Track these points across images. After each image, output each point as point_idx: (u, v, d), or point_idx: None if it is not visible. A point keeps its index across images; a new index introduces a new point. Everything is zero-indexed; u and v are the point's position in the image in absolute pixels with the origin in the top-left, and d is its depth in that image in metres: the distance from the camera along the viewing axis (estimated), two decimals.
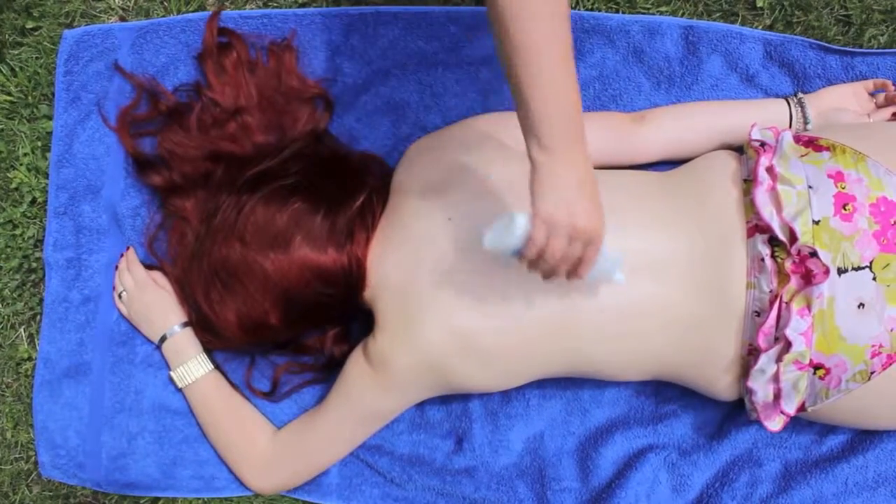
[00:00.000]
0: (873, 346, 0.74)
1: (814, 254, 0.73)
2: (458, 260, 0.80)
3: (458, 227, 0.81)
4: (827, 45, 0.94)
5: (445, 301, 0.79)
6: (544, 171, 0.63)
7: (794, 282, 0.74)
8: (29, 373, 1.04)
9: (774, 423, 0.81)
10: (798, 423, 0.92)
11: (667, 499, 0.92)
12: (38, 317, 1.04)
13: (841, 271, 0.74)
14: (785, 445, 0.92)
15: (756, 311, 0.77)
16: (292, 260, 0.83)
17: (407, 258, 0.82)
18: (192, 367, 0.96)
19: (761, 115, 0.89)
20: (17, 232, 1.04)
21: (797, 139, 0.82)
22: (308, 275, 0.83)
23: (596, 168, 0.88)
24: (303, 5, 1.02)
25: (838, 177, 0.76)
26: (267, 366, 0.99)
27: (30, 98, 1.04)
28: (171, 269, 0.97)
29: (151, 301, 0.97)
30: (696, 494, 0.92)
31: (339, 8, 1.00)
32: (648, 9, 0.98)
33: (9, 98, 1.05)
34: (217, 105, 0.95)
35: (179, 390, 0.98)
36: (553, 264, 0.67)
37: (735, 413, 0.94)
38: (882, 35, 0.96)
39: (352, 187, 0.87)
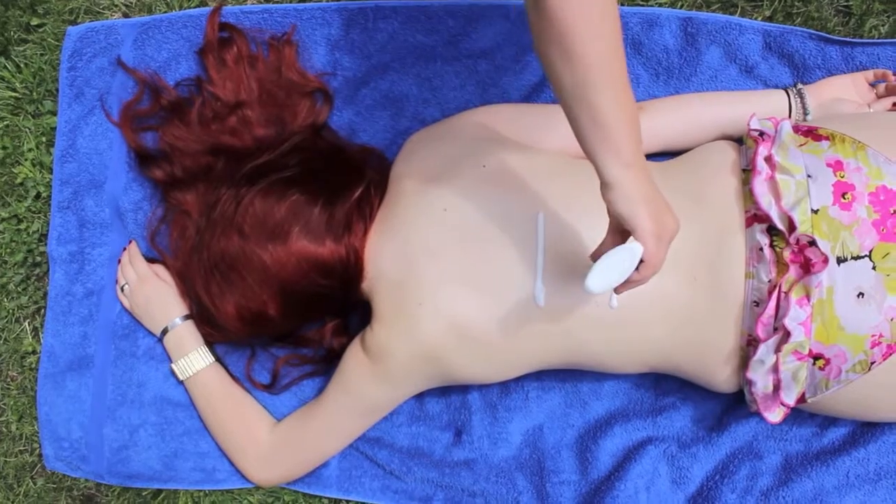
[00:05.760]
0: (873, 335, 0.73)
1: (812, 243, 0.73)
2: (454, 250, 0.80)
3: (454, 217, 0.81)
4: (827, 35, 0.93)
5: (442, 292, 0.79)
6: (632, 188, 0.62)
7: (792, 271, 0.74)
8: (33, 366, 1.05)
9: (774, 415, 0.80)
10: (799, 415, 0.91)
11: (666, 491, 0.92)
12: (43, 310, 1.05)
13: (840, 260, 0.73)
14: (785, 438, 0.92)
15: (755, 301, 0.76)
16: (290, 252, 0.83)
17: (404, 249, 0.82)
18: (193, 359, 0.96)
19: (761, 106, 0.88)
20: (22, 226, 1.06)
21: (796, 129, 0.82)
22: (306, 266, 0.83)
23: None
24: (302, 0, 1.02)
25: (837, 166, 0.76)
26: (267, 358, 0.99)
27: (34, 94, 1.06)
28: (173, 263, 0.98)
29: (153, 294, 0.98)
30: (696, 487, 0.92)
31: (338, 3, 1.00)
32: (647, 0, 0.97)
33: (14, 94, 1.06)
34: (218, 99, 0.96)
35: (181, 383, 0.99)
36: (653, 275, 0.65)
37: (735, 405, 0.93)
38: (882, 25, 0.95)
39: (350, 179, 0.87)
